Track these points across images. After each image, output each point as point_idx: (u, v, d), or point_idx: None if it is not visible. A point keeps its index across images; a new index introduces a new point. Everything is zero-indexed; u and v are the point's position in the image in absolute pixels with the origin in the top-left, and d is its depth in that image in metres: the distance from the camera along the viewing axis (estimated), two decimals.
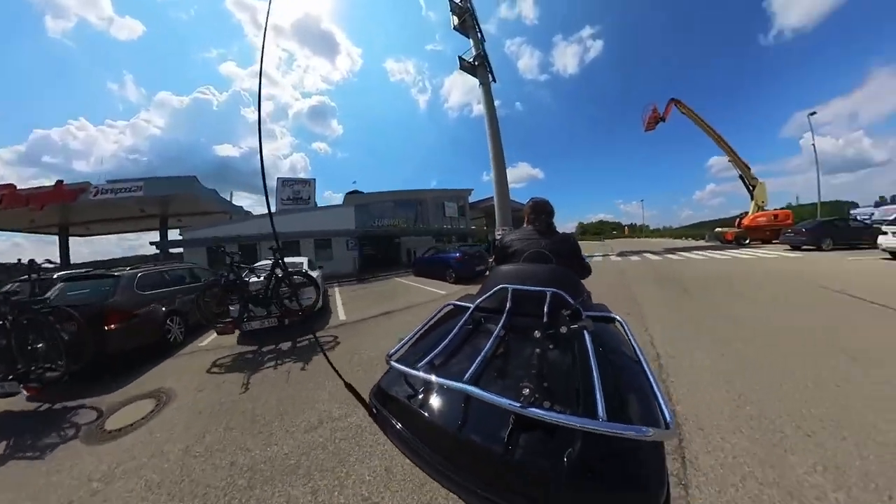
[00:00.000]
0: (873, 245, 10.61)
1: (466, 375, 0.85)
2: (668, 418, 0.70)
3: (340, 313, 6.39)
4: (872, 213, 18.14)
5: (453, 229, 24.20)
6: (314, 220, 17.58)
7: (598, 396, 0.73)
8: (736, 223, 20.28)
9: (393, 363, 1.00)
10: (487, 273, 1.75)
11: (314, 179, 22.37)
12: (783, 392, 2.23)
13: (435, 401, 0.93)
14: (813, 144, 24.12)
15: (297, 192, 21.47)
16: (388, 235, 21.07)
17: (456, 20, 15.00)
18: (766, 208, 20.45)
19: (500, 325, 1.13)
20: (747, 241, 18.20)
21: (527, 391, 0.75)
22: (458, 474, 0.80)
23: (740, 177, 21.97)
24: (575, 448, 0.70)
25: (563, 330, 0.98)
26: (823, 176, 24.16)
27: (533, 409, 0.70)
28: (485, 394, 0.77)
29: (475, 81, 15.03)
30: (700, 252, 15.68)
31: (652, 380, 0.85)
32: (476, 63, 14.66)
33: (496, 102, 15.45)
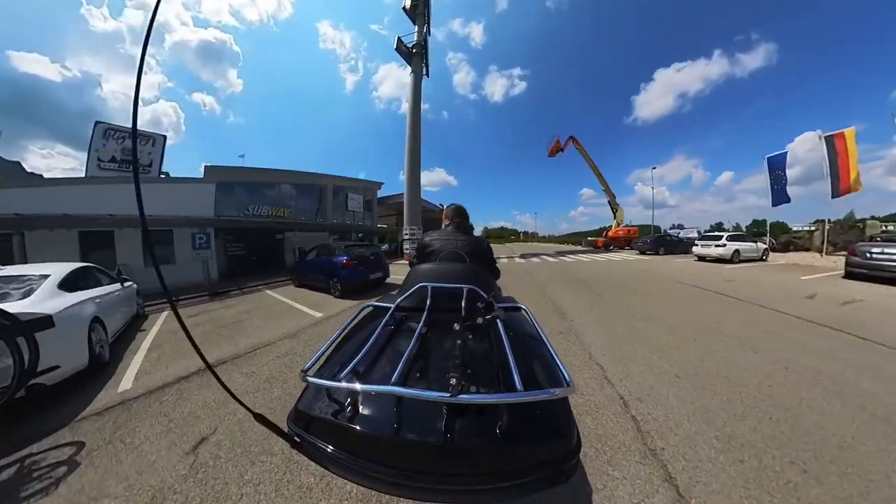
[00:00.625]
0: (687, 252, 17.57)
1: (394, 377, 0.89)
2: (568, 378, 0.90)
3: (130, 373, 3.51)
4: (679, 233, 31.22)
5: (356, 225, 21.70)
6: (149, 198, 11.57)
7: (514, 373, 0.88)
8: (604, 234, 29.90)
9: (310, 379, 0.95)
10: (385, 279, 1.68)
11: (164, 137, 15.97)
12: (747, 412, 2.33)
13: (365, 410, 0.93)
14: (652, 188, 39.13)
15: (128, 153, 15.17)
16: (265, 229, 16.59)
17: (408, 2, 15.05)
18: (621, 225, 30.18)
19: (421, 323, 1.21)
20: (611, 248, 26.19)
21: (454, 380, 0.82)
22: (404, 478, 0.84)
23: (609, 202, 31.75)
24: (504, 420, 0.85)
25: (480, 321, 1.16)
26: (645, 210, 40.72)
27: (462, 396, 0.80)
28: (415, 391, 0.84)
29: (408, 79, 15.16)
30: (583, 255, 20.68)
31: (552, 351, 1.05)
32: (414, 51, 14.90)
33: (425, 105, 15.84)
